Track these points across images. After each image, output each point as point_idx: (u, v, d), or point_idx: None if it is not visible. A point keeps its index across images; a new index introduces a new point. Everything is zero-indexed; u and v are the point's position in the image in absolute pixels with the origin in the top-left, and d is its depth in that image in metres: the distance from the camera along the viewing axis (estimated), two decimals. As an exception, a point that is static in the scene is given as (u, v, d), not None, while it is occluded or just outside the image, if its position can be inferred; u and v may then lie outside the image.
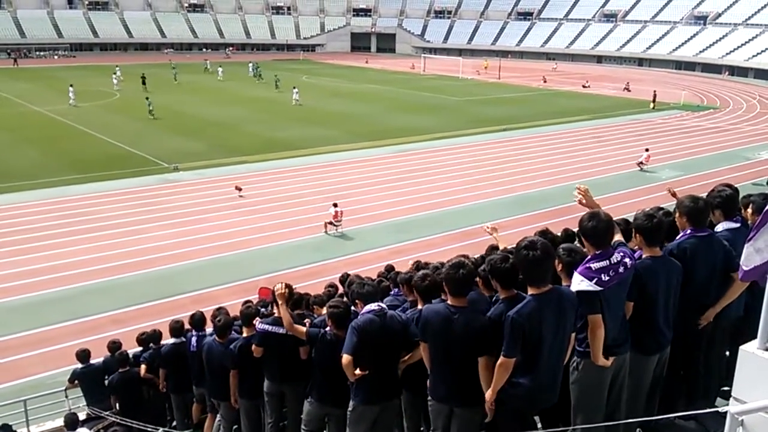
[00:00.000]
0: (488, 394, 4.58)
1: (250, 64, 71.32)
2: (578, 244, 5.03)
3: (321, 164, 31.70)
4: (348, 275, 10.81)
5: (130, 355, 9.93)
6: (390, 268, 10.92)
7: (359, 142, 36.73)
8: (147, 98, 44.56)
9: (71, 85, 47.93)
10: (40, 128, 38.98)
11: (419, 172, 30.41)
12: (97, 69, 67.15)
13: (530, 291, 4.41)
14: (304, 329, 6.17)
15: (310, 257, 20.08)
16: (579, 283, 4.46)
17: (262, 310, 8.51)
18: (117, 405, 9.71)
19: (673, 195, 6.22)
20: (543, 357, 4.42)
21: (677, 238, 5.23)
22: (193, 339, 8.56)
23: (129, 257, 19.73)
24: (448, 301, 4.82)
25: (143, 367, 9.52)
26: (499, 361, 4.43)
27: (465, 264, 4.78)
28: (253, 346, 6.79)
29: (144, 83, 55.06)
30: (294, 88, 52.20)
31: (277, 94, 55.72)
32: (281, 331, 6.38)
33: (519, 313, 4.33)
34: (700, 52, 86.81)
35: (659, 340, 5.10)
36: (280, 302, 6.30)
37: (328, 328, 6.00)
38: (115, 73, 57.69)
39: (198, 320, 8.64)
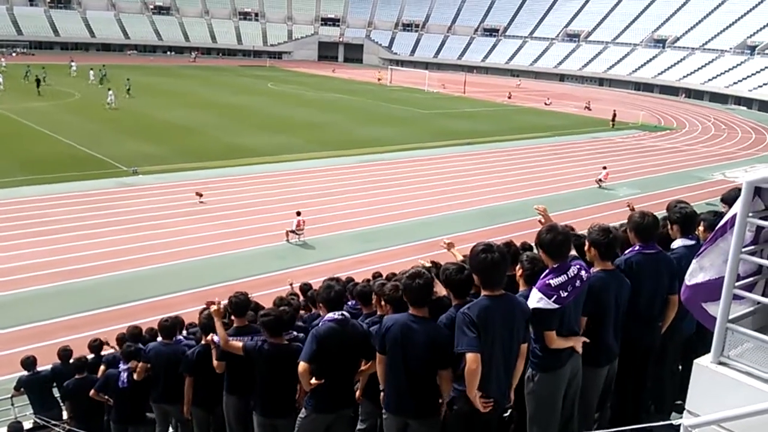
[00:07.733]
0: (471, 396, 4.32)
1: (91, 71, 61.10)
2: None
3: (285, 172, 31.47)
4: (309, 285, 10.73)
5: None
6: (350, 280, 10.75)
7: (324, 151, 36.60)
8: None
9: None
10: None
11: (383, 183, 30.43)
12: (57, 68, 65.59)
13: (483, 293, 4.39)
14: (240, 344, 6.08)
15: (271, 266, 19.86)
16: (538, 300, 4.48)
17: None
18: (70, 411, 9.39)
19: (632, 210, 6.34)
20: (485, 357, 4.35)
21: (625, 252, 5.33)
22: (123, 375, 8.13)
23: (83, 261, 19.22)
24: (410, 311, 4.74)
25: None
26: (467, 362, 4.19)
27: (422, 274, 4.69)
28: (215, 362, 6.55)
29: (39, 85, 50.25)
30: (109, 90, 47.31)
31: (129, 101, 50.26)
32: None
33: (469, 308, 4.31)
34: (659, 74, 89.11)
35: (608, 353, 5.17)
36: (216, 318, 6.20)
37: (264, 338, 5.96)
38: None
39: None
